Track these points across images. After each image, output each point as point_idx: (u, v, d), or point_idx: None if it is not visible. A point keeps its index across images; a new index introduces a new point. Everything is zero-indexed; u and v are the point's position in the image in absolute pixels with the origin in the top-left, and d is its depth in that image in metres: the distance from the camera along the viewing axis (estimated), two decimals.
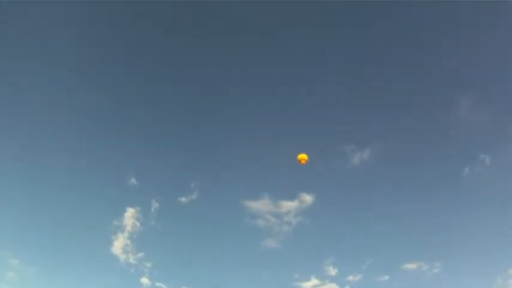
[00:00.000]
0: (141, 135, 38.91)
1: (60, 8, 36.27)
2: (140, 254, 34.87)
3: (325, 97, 38.78)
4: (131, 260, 34.68)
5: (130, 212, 35.54)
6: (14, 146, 36.53)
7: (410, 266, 32.72)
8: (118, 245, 34.98)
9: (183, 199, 36.18)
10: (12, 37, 36.01)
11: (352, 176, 36.24)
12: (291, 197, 35.73)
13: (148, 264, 34.63)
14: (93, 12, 37.11)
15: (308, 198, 35.51)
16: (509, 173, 33.85)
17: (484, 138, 35.66)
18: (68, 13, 36.71)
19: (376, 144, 36.61)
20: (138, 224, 35.47)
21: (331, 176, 36.43)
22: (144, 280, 33.94)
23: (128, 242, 35.12)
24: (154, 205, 36.01)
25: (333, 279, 33.03)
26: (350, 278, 32.89)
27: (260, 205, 35.77)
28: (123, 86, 39.23)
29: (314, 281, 32.99)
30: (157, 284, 33.46)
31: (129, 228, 35.26)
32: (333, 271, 33.37)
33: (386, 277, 32.60)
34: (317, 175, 35.56)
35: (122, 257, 34.75)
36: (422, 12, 36.18)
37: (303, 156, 23.02)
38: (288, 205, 35.58)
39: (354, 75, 38.32)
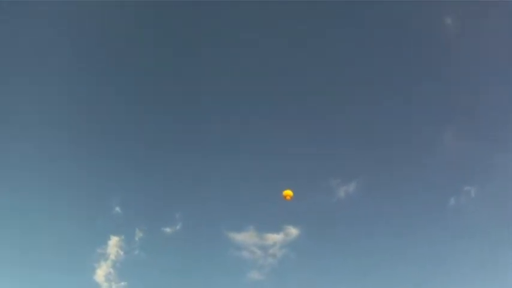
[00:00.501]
0: (127, 164, 38.86)
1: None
2: (123, 283, 34.49)
3: (311, 131, 39.30)
4: None
5: (114, 240, 35.33)
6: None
7: None
8: (101, 273, 34.58)
9: (167, 229, 36.14)
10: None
11: (338, 209, 36.54)
12: (277, 229, 35.90)
13: None
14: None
15: (293, 231, 35.69)
16: (493, 204, 34.51)
17: (469, 171, 36.40)
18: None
19: (361, 177, 37.00)
20: (121, 252, 35.24)
21: (317, 209, 36.46)
22: None
23: (111, 270, 34.77)
24: (139, 234, 35.87)
25: None
26: None
27: (245, 237, 35.81)
28: (110, 114, 39.52)
29: None
30: None
31: (112, 256, 35.02)
32: None
33: None
34: (303, 208, 35.44)
35: (105, 285, 34.30)
36: (407, 43, 37.71)
37: (288, 193, 23.47)
38: (273, 237, 35.66)
39: (338, 110, 39.30)
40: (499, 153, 35.09)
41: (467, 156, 36.36)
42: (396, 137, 38.31)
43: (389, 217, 36.37)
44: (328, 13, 38.42)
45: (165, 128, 39.78)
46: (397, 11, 37.26)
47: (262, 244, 35.53)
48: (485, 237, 33.68)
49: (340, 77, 39.22)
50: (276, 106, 39.71)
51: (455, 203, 35.30)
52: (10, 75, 36.87)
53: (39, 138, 37.59)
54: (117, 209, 36.21)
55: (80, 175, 37.74)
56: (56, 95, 38.06)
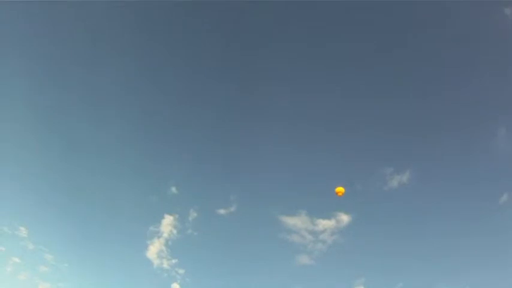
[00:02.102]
0: (185, 146, 39.83)
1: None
2: (174, 261, 35.57)
3: (368, 120, 39.19)
4: (165, 266, 35.40)
5: (168, 219, 36.26)
6: (59, 149, 37.84)
7: None
8: (153, 249, 35.71)
9: (221, 211, 36.79)
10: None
11: (390, 198, 36.47)
12: (328, 215, 36.09)
13: (181, 271, 35.33)
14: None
15: (345, 217, 35.80)
16: None
17: None
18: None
19: (414, 168, 36.71)
20: (174, 231, 36.15)
21: (369, 198, 36.61)
22: (175, 286, 34.66)
23: (163, 248, 35.81)
24: (192, 214, 36.69)
25: None
26: None
27: (297, 221, 36.18)
28: (170, 97, 40.42)
29: None
30: None
31: (165, 234, 35.98)
32: None
33: None
34: (355, 196, 35.69)
35: (156, 261, 35.45)
36: (465, 38, 36.96)
37: (340, 189, 24.61)
38: (325, 223, 35.91)
39: (395, 101, 39.09)
40: None
41: None
42: (451, 130, 37.83)
43: (441, 209, 36.29)
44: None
45: (223, 113, 40.13)
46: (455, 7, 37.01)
47: (313, 229, 35.94)
48: None
49: (398, 68, 38.86)
50: (331, 94, 39.88)
51: (508, 198, 34.54)
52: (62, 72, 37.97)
53: (103, 124, 38.73)
54: (173, 189, 37.05)
55: (139, 156, 38.94)
56: (116, 89, 39.50)
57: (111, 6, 36.16)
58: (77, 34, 37.02)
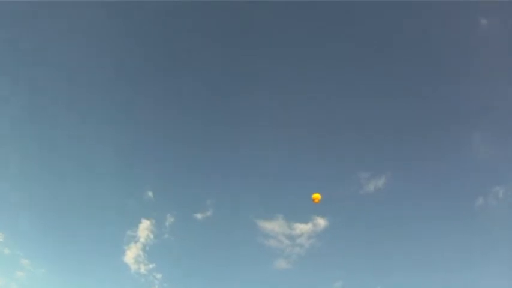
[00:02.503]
0: (159, 152, 39.55)
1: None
2: (151, 265, 35.42)
3: (344, 124, 39.59)
4: (142, 270, 35.22)
5: (145, 224, 36.15)
6: (34, 153, 37.44)
7: None
8: (130, 254, 35.55)
9: (198, 215, 36.78)
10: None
11: (366, 202, 36.74)
12: (305, 219, 36.23)
13: (159, 276, 35.16)
14: None
15: (321, 221, 36.03)
16: None
17: (497, 171, 36.05)
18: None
19: (390, 172, 37.06)
20: (151, 236, 36.05)
21: (346, 202, 36.90)
22: None
23: (141, 252, 35.64)
24: (169, 219, 36.66)
25: None
26: None
27: (274, 226, 36.28)
28: (147, 101, 40.23)
29: None
30: None
31: (142, 239, 35.85)
32: None
33: None
34: (331, 200, 35.67)
35: (134, 266, 35.29)
36: (440, 43, 37.41)
37: (316, 196, 24.56)
38: (302, 227, 36.07)
39: (371, 105, 39.21)
40: None
41: (496, 156, 36.16)
42: (426, 135, 38.26)
43: (417, 213, 36.65)
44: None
45: (199, 117, 40.17)
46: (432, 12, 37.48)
47: (290, 233, 36.08)
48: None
49: (372, 73, 39.29)
50: (308, 99, 40.10)
51: (484, 202, 35.29)
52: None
53: (78, 128, 38.49)
54: (150, 193, 37.00)
55: (115, 160, 38.48)
56: (94, 91, 39.07)
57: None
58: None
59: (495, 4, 35.67)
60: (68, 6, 35.70)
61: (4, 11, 34.87)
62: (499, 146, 36.24)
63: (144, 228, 36.00)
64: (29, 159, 37.08)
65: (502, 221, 34.56)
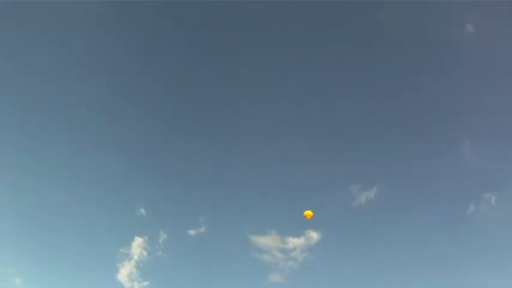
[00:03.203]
0: (151, 169, 39.65)
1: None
2: (145, 283, 35.19)
3: (334, 136, 39.76)
4: None
5: (138, 241, 36.06)
6: (26, 170, 37.32)
7: None
8: (124, 272, 35.32)
9: (191, 232, 36.69)
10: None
11: (358, 214, 36.87)
12: (298, 233, 36.32)
13: None
14: None
15: (314, 235, 36.12)
16: None
17: (488, 178, 36.22)
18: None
19: (382, 184, 37.23)
20: (145, 253, 35.92)
21: (338, 215, 36.96)
22: None
23: (134, 270, 35.45)
24: (162, 236, 36.57)
25: None
26: None
27: (267, 240, 36.28)
28: (138, 119, 40.20)
29: None
30: None
31: (136, 257, 35.71)
32: None
33: None
34: (324, 213, 35.83)
35: (127, 284, 35.03)
36: (428, 52, 37.69)
37: (308, 213, 24.53)
38: (295, 241, 36.15)
39: (360, 117, 39.56)
40: None
41: (486, 163, 36.32)
42: (417, 144, 38.42)
43: (409, 222, 36.70)
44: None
45: (191, 132, 40.22)
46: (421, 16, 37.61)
47: (284, 248, 36.11)
48: (505, 244, 33.65)
49: (360, 84, 39.56)
50: (297, 112, 40.20)
51: (475, 209, 35.59)
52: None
53: (70, 146, 38.59)
54: (142, 210, 36.93)
55: (106, 177, 38.63)
56: (86, 102, 39.18)
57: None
58: None
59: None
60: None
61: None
62: (489, 152, 36.58)
63: (137, 245, 35.98)
64: (19, 178, 37.02)
65: (494, 228, 34.90)
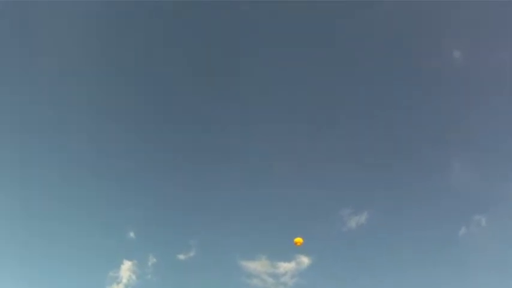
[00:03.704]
0: (141, 192, 39.59)
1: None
2: None
3: (323, 160, 39.58)
4: None
5: (127, 265, 35.80)
6: (15, 188, 37.38)
7: None
8: None
9: (181, 256, 36.50)
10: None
11: (349, 239, 36.77)
12: (288, 258, 36.17)
13: None
14: None
15: (305, 259, 35.95)
16: (504, 233, 34.72)
17: (478, 200, 36.44)
18: None
19: (372, 208, 37.29)
20: (134, 276, 35.64)
21: (328, 239, 36.88)
22: None
23: None
24: (152, 260, 36.30)
25: None
26: None
27: (257, 265, 36.04)
28: (126, 140, 40.39)
29: None
30: None
31: (124, 280, 35.43)
32: None
33: None
34: (314, 237, 35.59)
35: None
36: (418, 75, 38.42)
37: (298, 240, 25.03)
38: (285, 266, 35.95)
39: (349, 140, 39.85)
40: (509, 181, 35.60)
41: (476, 184, 36.57)
42: (406, 168, 38.61)
43: (400, 246, 36.40)
44: None
45: (180, 157, 40.32)
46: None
47: (274, 272, 35.90)
48: (497, 266, 33.90)
49: (349, 110, 40.15)
50: (287, 136, 40.34)
51: (466, 231, 35.76)
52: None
53: (60, 168, 38.70)
54: (131, 234, 36.83)
55: (95, 201, 38.48)
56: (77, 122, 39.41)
57: None
58: None
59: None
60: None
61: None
62: (478, 174, 36.90)
63: (126, 269, 35.71)
64: (9, 196, 36.96)
65: (486, 249, 34.85)
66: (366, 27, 38.22)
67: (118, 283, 35.19)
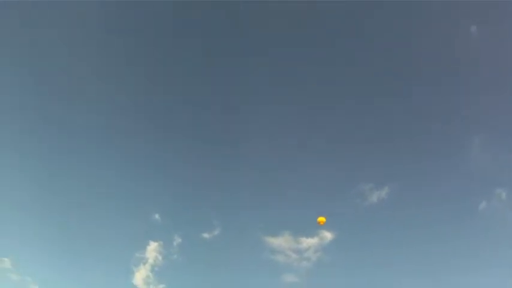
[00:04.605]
0: (166, 173, 40.14)
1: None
2: (161, 286, 35.78)
3: (344, 137, 40.11)
4: None
5: (152, 246, 36.50)
6: (41, 178, 38.14)
7: None
8: (139, 276, 35.80)
9: (206, 235, 37.16)
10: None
11: (370, 213, 37.12)
12: (311, 233, 36.65)
13: None
14: None
15: (328, 235, 36.44)
16: None
17: (499, 174, 36.47)
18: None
19: (393, 182, 37.51)
20: (160, 257, 36.38)
21: (350, 214, 37.31)
22: None
23: (150, 274, 35.94)
24: (177, 240, 37.02)
25: None
26: None
27: (281, 241, 36.62)
28: (151, 125, 40.84)
29: None
30: None
31: (151, 260, 36.17)
32: None
33: None
34: (337, 213, 36.30)
35: (143, 287, 35.58)
36: (435, 54, 37.97)
37: (321, 219, 25.20)
38: (308, 241, 36.49)
39: (371, 117, 40.04)
40: None
41: (496, 159, 36.73)
42: (427, 142, 38.82)
43: (422, 220, 36.98)
44: None
45: (203, 137, 40.73)
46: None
47: (297, 248, 36.47)
48: None
49: (370, 84, 39.80)
50: (309, 113, 40.53)
51: (487, 205, 35.78)
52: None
53: (84, 153, 39.26)
54: (156, 216, 37.46)
55: (121, 184, 39.22)
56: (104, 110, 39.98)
57: None
58: None
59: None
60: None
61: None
62: (498, 148, 36.99)
63: (152, 249, 36.45)
64: (35, 187, 37.65)
65: (506, 223, 35.19)
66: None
67: (144, 264, 36.06)
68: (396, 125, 39.29)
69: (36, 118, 38.45)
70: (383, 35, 38.69)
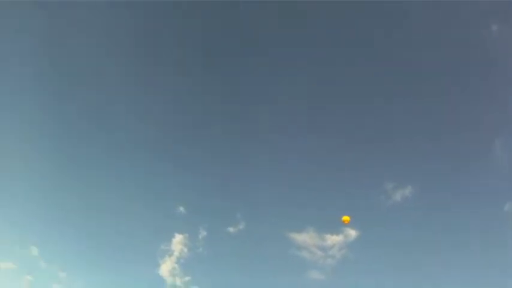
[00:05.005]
0: (192, 167, 40.77)
1: None
2: (187, 278, 36.39)
3: (368, 136, 40.29)
4: (178, 283, 36.22)
5: (178, 238, 37.16)
6: (69, 169, 39.17)
7: None
8: (165, 267, 36.53)
9: (230, 229, 37.63)
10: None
11: (394, 212, 37.27)
12: (336, 231, 36.87)
13: None
14: None
15: (352, 232, 36.61)
16: None
17: None
18: None
19: (417, 182, 37.58)
20: (185, 249, 37.01)
21: (375, 212, 37.47)
22: None
23: (175, 265, 36.61)
24: (202, 233, 37.65)
25: None
26: None
27: (305, 237, 36.92)
28: (177, 119, 41.71)
29: None
30: None
31: (176, 253, 36.84)
32: None
33: None
34: (361, 211, 36.65)
35: (169, 279, 36.27)
36: (458, 56, 38.20)
37: (346, 218, 26.01)
38: (333, 238, 36.71)
39: (397, 118, 40.34)
40: None
41: None
42: (451, 143, 38.80)
43: (446, 219, 37.05)
44: None
45: (230, 132, 41.33)
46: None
47: (322, 245, 36.74)
48: None
49: (393, 84, 40.34)
50: (333, 111, 41.30)
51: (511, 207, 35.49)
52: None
53: (112, 146, 40.36)
54: (181, 209, 38.06)
55: (147, 177, 40.04)
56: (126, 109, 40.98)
57: None
58: None
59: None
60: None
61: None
62: None
63: (178, 242, 37.11)
64: (63, 177, 38.73)
65: None
66: None
67: (170, 256, 36.75)
68: (421, 126, 39.49)
69: (72, 109, 39.73)
70: (402, 36, 39.04)
